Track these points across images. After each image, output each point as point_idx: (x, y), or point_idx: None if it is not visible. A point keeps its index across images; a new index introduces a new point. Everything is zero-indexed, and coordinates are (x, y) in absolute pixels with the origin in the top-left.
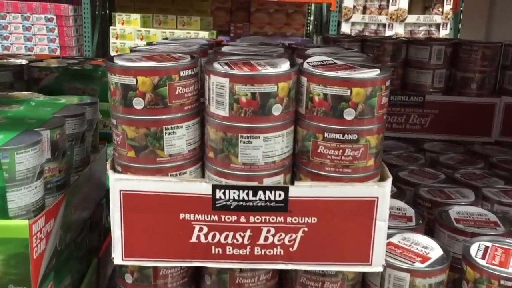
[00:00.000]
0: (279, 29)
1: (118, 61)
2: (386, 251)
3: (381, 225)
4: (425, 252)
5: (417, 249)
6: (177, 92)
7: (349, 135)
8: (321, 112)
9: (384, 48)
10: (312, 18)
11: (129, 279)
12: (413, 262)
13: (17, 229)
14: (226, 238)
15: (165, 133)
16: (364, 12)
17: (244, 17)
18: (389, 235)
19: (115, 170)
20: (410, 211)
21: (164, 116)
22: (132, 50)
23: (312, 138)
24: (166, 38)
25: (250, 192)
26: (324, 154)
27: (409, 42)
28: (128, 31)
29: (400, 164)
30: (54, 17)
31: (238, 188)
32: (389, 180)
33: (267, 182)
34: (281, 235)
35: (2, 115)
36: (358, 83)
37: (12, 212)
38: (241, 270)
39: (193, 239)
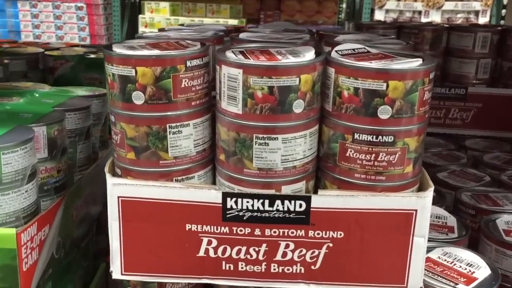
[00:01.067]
0: (310, 17)
1: (117, 49)
2: (425, 269)
3: (419, 242)
4: (470, 271)
5: (460, 267)
6: (182, 85)
7: (384, 137)
8: (351, 109)
9: (423, 35)
10: (344, 5)
11: None
12: (456, 284)
13: (3, 239)
14: (238, 253)
15: (169, 132)
16: None
17: (274, 5)
18: (428, 249)
19: (113, 174)
20: (452, 220)
21: (168, 113)
22: (138, 36)
23: (340, 139)
24: (182, 25)
25: (266, 202)
26: (354, 159)
27: (450, 29)
28: (157, 20)
29: (439, 164)
30: (84, 5)
31: (252, 196)
32: (431, 190)
33: (286, 190)
34: (301, 250)
35: None
36: (396, 75)
37: (1, 219)
38: None
39: (201, 253)
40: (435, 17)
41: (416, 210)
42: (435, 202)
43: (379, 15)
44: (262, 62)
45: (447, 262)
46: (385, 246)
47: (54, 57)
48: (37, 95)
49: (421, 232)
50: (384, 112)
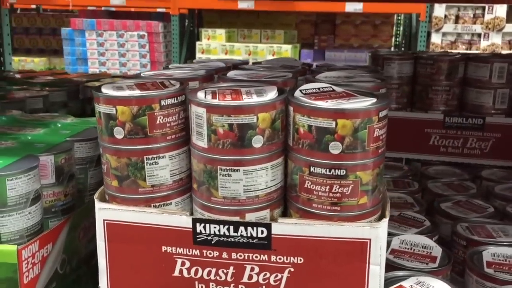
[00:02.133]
0: (366, 40)
1: (104, 90)
2: None
3: (375, 270)
4: None
5: None
6: (157, 122)
7: (337, 170)
8: (306, 144)
9: (439, 66)
10: (401, 28)
11: None
12: None
13: (6, 254)
14: (209, 274)
15: (147, 163)
16: (456, 22)
17: (329, 30)
18: (402, 278)
19: (103, 199)
20: (437, 251)
21: (144, 146)
22: (137, 76)
23: (299, 172)
24: (192, 61)
25: (231, 228)
26: (311, 190)
27: (467, 59)
28: (213, 46)
29: (447, 194)
30: (146, 34)
31: (218, 222)
32: (385, 221)
33: (250, 217)
34: (266, 274)
35: (16, 139)
36: (345, 114)
37: (5, 237)
38: None
39: (176, 273)
40: (496, 40)
41: (370, 239)
42: (428, 232)
43: (435, 38)
44: (223, 102)
45: None
46: (344, 273)
47: (92, 88)
48: (59, 125)
49: (376, 261)
50: (335, 148)
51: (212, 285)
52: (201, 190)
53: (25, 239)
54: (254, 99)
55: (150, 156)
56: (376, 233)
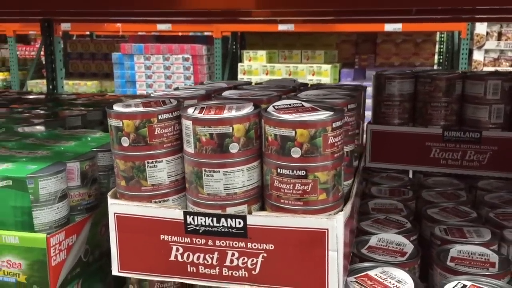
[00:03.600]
0: (407, 59)
1: (114, 107)
2: (358, 282)
3: (333, 255)
4: (395, 285)
5: (390, 282)
6: (156, 133)
7: (298, 171)
8: (273, 150)
9: (436, 84)
10: (444, 46)
11: None
12: None
13: (37, 241)
14: (198, 258)
15: (147, 166)
16: (499, 39)
17: (369, 49)
18: (369, 268)
19: (114, 197)
20: (409, 247)
21: (145, 152)
22: (147, 96)
23: (269, 173)
24: (202, 83)
25: (214, 219)
26: (279, 188)
27: (464, 77)
28: (254, 67)
29: (436, 201)
30: (190, 57)
31: (204, 215)
32: (340, 214)
33: (230, 210)
34: (244, 258)
35: (51, 149)
36: (301, 125)
37: (37, 227)
38: None
39: (172, 258)
40: None
41: (327, 229)
42: (407, 232)
43: (478, 56)
44: (205, 116)
45: (381, 278)
46: (308, 257)
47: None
48: (88, 139)
49: (334, 247)
50: (296, 152)
51: (201, 268)
52: (191, 188)
53: (53, 229)
54: (231, 113)
55: (150, 161)
56: (332, 224)
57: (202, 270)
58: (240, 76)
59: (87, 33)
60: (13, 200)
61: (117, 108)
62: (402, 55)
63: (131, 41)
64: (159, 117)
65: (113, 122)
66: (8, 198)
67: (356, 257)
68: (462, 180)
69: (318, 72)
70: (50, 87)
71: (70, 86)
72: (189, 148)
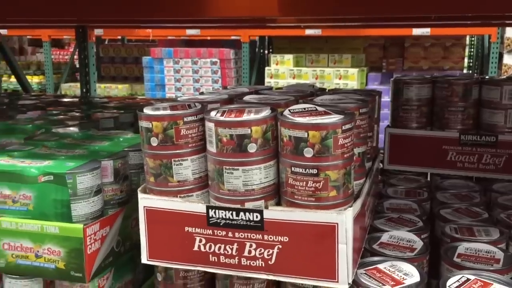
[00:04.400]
0: (436, 63)
1: (145, 110)
2: (367, 274)
3: (343, 248)
4: (403, 278)
5: (397, 275)
6: (182, 133)
7: (310, 170)
8: (288, 150)
9: (453, 89)
10: (474, 50)
11: (159, 277)
12: (384, 285)
13: (75, 230)
14: (219, 249)
15: (174, 164)
16: None
17: (397, 53)
18: (379, 261)
19: (144, 192)
20: (419, 244)
21: (172, 151)
22: (174, 99)
23: (285, 171)
24: (225, 87)
25: (234, 213)
26: (293, 185)
27: (481, 82)
28: (281, 71)
29: (449, 202)
30: (218, 60)
31: (224, 209)
32: (349, 210)
33: (248, 205)
34: (261, 249)
35: (87, 148)
36: (313, 127)
37: (75, 218)
38: (237, 277)
39: (195, 248)
40: None
41: (337, 223)
42: (419, 230)
43: (508, 59)
44: (226, 118)
45: (389, 271)
46: (319, 250)
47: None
48: (121, 139)
49: (343, 240)
50: (308, 152)
51: (222, 257)
52: (213, 184)
53: (89, 221)
54: (250, 116)
55: (176, 159)
56: (341, 219)
57: (222, 260)
58: (267, 80)
59: (119, 37)
60: (54, 194)
61: (147, 111)
62: (430, 59)
63: (161, 45)
64: (185, 119)
65: (143, 124)
66: (50, 191)
67: (368, 252)
68: (478, 183)
69: (345, 76)
70: (84, 90)
71: (102, 89)
72: (212, 148)
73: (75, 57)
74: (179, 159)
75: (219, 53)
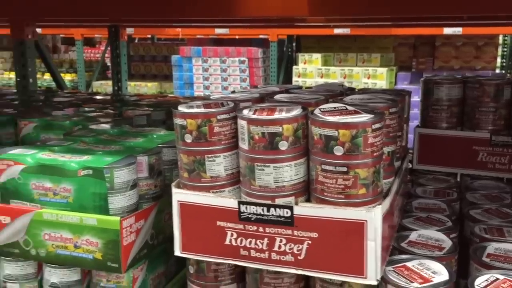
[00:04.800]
0: (467, 62)
1: (179, 108)
2: (396, 271)
3: (371, 245)
4: (431, 276)
5: (425, 273)
6: (215, 131)
7: (340, 168)
8: (318, 148)
9: (484, 89)
10: (508, 49)
11: (191, 270)
12: (412, 282)
13: (112, 223)
14: (250, 243)
15: (207, 160)
16: None
17: (428, 52)
18: (407, 259)
19: (178, 187)
20: (447, 243)
21: (205, 148)
22: (207, 98)
23: (315, 169)
24: (256, 86)
25: (265, 208)
26: (323, 182)
27: None
28: (309, 70)
29: (479, 203)
30: (246, 59)
31: (256, 204)
32: (378, 207)
33: (278, 201)
34: (290, 245)
35: (123, 144)
36: (344, 126)
37: (112, 211)
38: (267, 271)
39: (227, 242)
40: None
41: (366, 221)
42: (447, 230)
43: None
44: (258, 117)
45: (417, 269)
46: (348, 246)
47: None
48: (154, 136)
49: (372, 237)
50: (338, 151)
51: (252, 252)
52: (245, 181)
53: (125, 214)
54: (281, 115)
55: (209, 155)
56: (370, 216)
57: (253, 254)
58: (294, 78)
59: (149, 36)
60: (92, 187)
61: (182, 108)
62: (462, 58)
63: (190, 44)
64: (218, 117)
65: (178, 121)
66: (88, 185)
67: (396, 250)
68: (509, 184)
69: (374, 75)
70: (116, 88)
71: (132, 87)
72: (244, 145)
73: (106, 55)
74: (212, 155)
75: (248, 52)
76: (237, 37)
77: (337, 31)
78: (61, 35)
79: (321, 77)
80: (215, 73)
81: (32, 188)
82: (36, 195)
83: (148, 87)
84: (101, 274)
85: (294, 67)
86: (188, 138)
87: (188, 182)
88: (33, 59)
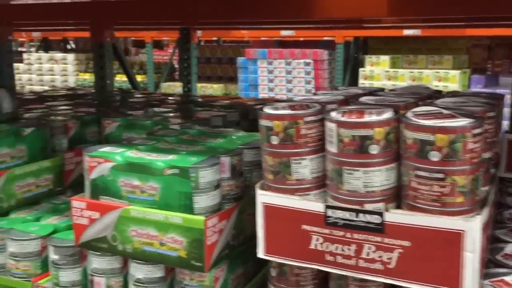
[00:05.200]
0: None
1: (265, 109)
2: (493, 286)
3: (469, 256)
4: None
5: None
6: (302, 133)
7: (436, 174)
8: (412, 153)
9: None
10: None
11: (273, 272)
12: None
13: (197, 222)
14: (336, 249)
15: (293, 163)
16: None
17: (504, 54)
18: (505, 273)
19: (262, 188)
20: None
21: (291, 150)
22: (290, 100)
23: (407, 174)
24: (336, 88)
25: (353, 214)
26: (416, 188)
27: None
28: (376, 72)
29: None
30: (312, 61)
31: (344, 209)
32: (478, 217)
33: (368, 207)
34: (380, 252)
35: (204, 145)
36: (441, 130)
37: (196, 210)
38: (353, 278)
39: (312, 246)
40: None
41: (464, 231)
42: None
43: None
44: (349, 119)
45: None
46: (442, 257)
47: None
48: (233, 137)
49: (471, 249)
50: (434, 156)
51: (339, 258)
52: (332, 184)
53: (209, 213)
54: (372, 118)
55: (295, 158)
56: (470, 226)
57: (339, 260)
58: (361, 81)
59: (214, 39)
60: (178, 186)
61: (268, 110)
62: None
63: (255, 46)
64: (305, 119)
65: (264, 122)
66: (174, 184)
67: (491, 263)
68: None
69: (445, 78)
70: (186, 89)
71: (199, 89)
72: (332, 148)
73: (174, 57)
74: (298, 158)
75: (313, 54)
76: (301, 39)
77: (407, 32)
78: (131, 38)
79: (389, 79)
80: (280, 75)
81: (120, 185)
82: (124, 192)
83: (214, 89)
84: (185, 272)
85: (361, 69)
86: (274, 140)
87: (273, 184)
88: (111, 61)
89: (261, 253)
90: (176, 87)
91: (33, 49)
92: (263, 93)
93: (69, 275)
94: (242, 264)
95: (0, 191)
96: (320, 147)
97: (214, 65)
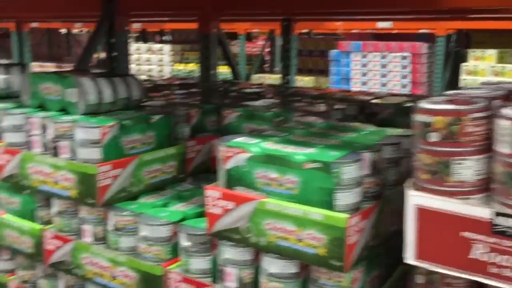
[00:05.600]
0: None
1: (423, 104)
2: None
3: None
4: None
5: None
6: (467, 130)
7: None
8: None
9: None
10: None
11: (420, 279)
12: None
13: (339, 220)
14: (502, 260)
15: (453, 163)
16: None
17: None
18: None
19: (413, 188)
20: None
21: (453, 149)
22: (441, 94)
23: None
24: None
25: None
26: None
27: None
28: (480, 67)
29: None
30: (409, 55)
31: None
32: None
33: None
34: None
35: (339, 139)
36: None
37: (337, 207)
38: None
39: (471, 256)
40: None
41: None
42: None
43: None
44: None
45: None
46: None
47: (376, 104)
48: (363, 132)
49: None
50: None
51: (506, 271)
52: (501, 189)
53: (349, 211)
54: None
55: (457, 158)
56: None
57: (506, 273)
58: (463, 76)
59: (305, 31)
60: (318, 181)
61: (427, 105)
62: None
63: (348, 38)
64: (472, 115)
65: (421, 118)
66: (315, 178)
67: None
68: None
69: None
70: (285, 81)
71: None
72: (504, 148)
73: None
74: (461, 158)
75: (411, 47)
76: (395, 31)
77: None
78: (224, 30)
79: (495, 75)
80: (374, 69)
81: (256, 176)
82: (260, 184)
83: (305, 81)
84: (321, 271)
85: (463, 64)
86: (433, 137)
87: (427, 185)
88: (215, 52)
89: (410, 259)
90: (266, 79)
91: (131, 40)
92: (355, 87)
93: (199, 262)
94: (378, 267)
95: (131, 176)
96: (486, 147)
97: (305, 57)
